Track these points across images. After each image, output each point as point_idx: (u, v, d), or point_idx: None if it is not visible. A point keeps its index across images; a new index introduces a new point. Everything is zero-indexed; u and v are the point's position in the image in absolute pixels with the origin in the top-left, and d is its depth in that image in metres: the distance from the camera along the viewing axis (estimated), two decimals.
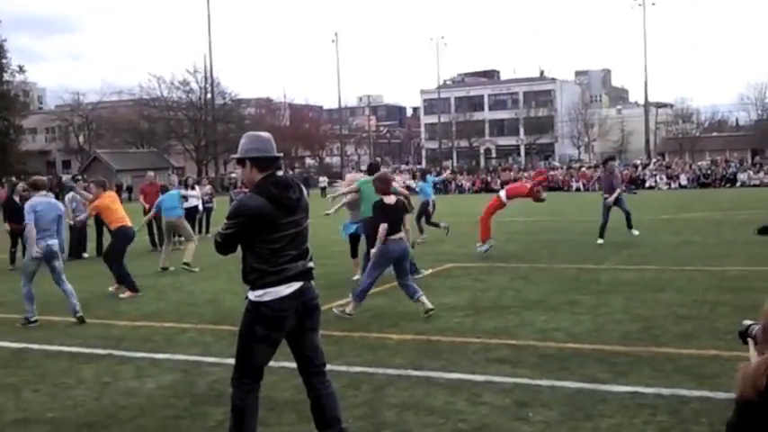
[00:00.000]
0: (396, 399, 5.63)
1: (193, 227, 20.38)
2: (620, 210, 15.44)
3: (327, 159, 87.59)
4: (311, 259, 4.45)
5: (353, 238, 11.65)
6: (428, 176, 19.49)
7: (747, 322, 2.99)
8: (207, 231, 21.14)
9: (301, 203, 4.38)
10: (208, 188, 22.43)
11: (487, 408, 5.34)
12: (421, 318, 8.42)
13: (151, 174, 19.70)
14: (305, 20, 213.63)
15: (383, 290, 10.48)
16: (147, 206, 17.85)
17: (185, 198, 18.89)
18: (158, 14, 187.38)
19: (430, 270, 12.10)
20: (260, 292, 4.25)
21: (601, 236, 15.15)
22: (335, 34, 78.71)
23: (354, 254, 11.73)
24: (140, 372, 6.75)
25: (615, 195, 15.26)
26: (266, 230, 4.23)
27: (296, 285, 4.28)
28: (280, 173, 4.42)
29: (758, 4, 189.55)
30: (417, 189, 18.67)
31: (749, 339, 2.98)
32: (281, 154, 4.54)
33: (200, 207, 20.55)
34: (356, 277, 11.17)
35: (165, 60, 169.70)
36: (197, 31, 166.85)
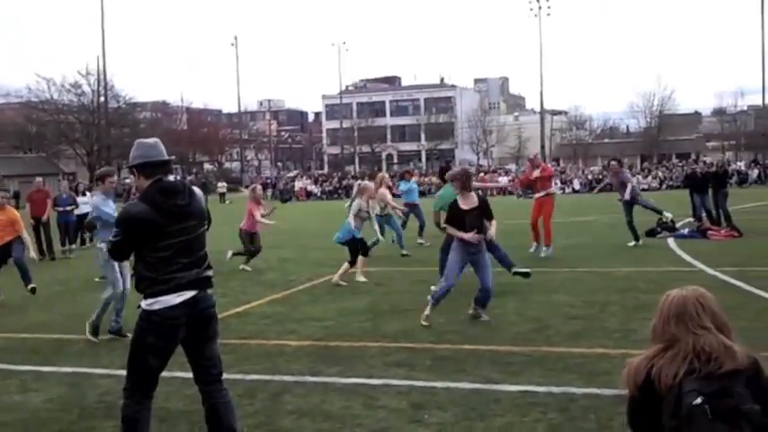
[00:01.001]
0: (292, 405, 5.59)
1: (84, 234, 19.72)
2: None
3: (227, 164, 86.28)
4: (209, 267, 4.36)
5: (354, 246, 11.50)
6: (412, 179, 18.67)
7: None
8: None
9: (193, 210, 4.28)
10: None
11: (384, 411, 5.36)
12: (319, 323, 8.39)
13: (39, 180, 18.86)
14: (204, 22, 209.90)
15: (282, 296, 10.42)
16: (36, 215, 17.03)
17: (76, 205, 18.27)
18: (48, 13, 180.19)
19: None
20: (150, 300, 4.16)
21: (635, 238, 14.88)
22: (235, 37, 77.70)
23: (355, 261, 11.57)
24: (25, 386, 6.46)
25: (628, 191, 14.91)
26: (152, 238, 4.15)
27: (188, 294, 4.19)
28: (171, 178, 4.34)
29: (647, 18, 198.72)
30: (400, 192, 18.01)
31: None
32: (169, 158, 4.43)
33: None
34: (362, 279, 11.36)
35: (55, 61, 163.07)
36: (89, 31, 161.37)
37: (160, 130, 68.97)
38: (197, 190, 4.46)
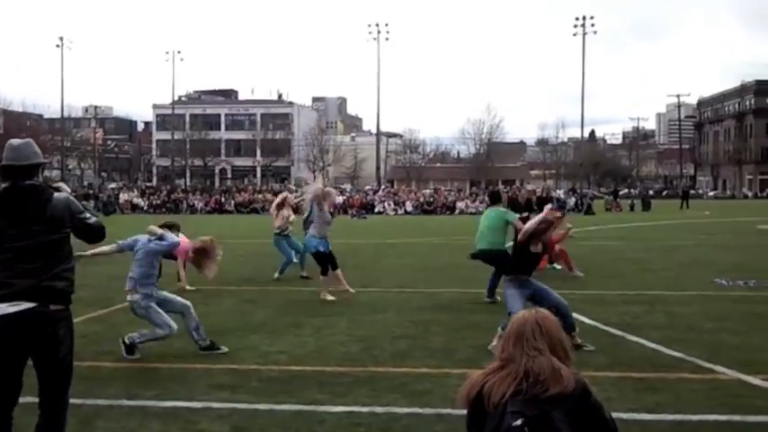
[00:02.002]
0: (105, 431, 5.26)
1: None
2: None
3: (47, 173, 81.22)
4: (56, 277, 4.08)
5: (323, 256, 11.01)
6: None
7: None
8: None
9: (42, 214, 4.05)
10: None
11: None
12: (140, 344, 7.99)
13: None
14: (27, 19, 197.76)
15: (99, 315, 9.87)
16: None
17: None
18: None
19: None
20: None
21: None
22: (60, 38, 73.22)
23: (326, 271, 11.08)
24: None
25: None
26: None
27: (24, 305, 3.96)
28: (32, 181, 4.15)
29: (479, 49, 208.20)
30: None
31: None
32: (30, 163, 4.21)
33: None
34: (329, 297, 10.84)
35: None
36: None
37: None
38: (59, 195, 4.20)
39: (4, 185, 4.15)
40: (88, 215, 4.31)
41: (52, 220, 4.11)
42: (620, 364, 7.10)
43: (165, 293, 7.75)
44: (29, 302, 3.98)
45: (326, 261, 11.17)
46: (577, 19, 65.79)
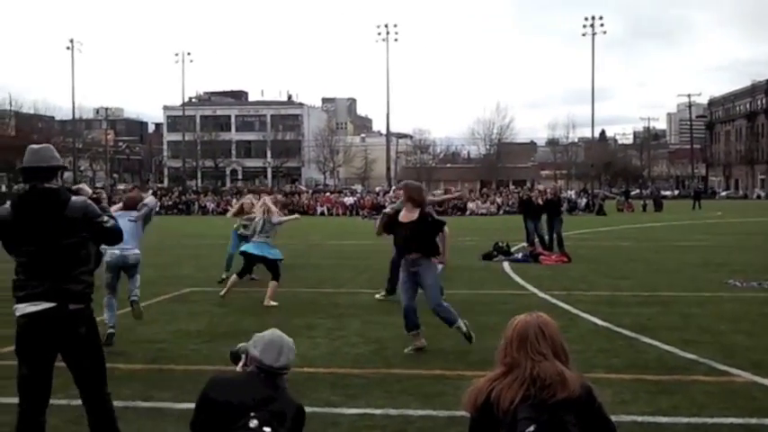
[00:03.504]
0: None
1: None
2: None
3: None
4: (74, 280, 4.18)
5: (250, 257, 11.01)
6: None
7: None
8: None
9: (59, 217, 4.14)
10: None
11: None
12: (153, 346, 8.04)
13: None
14: (38, 21, 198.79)
15: None
16: None
17: None
18: None
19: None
20: (15, 306, 4.15)
21: None
22: (71, 40, 73.60)
23: (245, 273, 11.20)
24: None
25: None
26: (12, 240, 4.16)
27: (44, 305, 4.07)
28: (50, 185, 4.24)
29: (487, 50, 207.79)
30: None
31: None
32: (47, 165, 4.30)
33: None
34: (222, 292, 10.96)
35: None
36: None
37: None
38: (76, 199, 4.28)
39: (23, 188, 4.23)
40: (105, 218, 4.35)
41: (69, 223, 4.17)
42: (635, 366, 7.08)
43: None
44: (48, 302, 4.08)
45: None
46: (587, 19, 65.78)
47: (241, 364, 3.68)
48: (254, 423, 3.22)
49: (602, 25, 66.05)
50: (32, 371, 4.17)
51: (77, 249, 4.23)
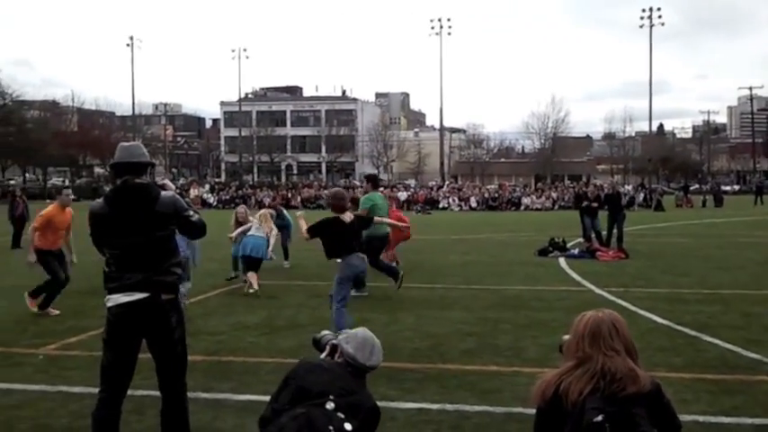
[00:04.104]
0: None
1: None
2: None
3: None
4: (166, 271, 4.34)
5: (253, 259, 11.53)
6: None
7: (565, 337, 3.40)
8: None
9: (151, 212, 4.29)
10: None
11: None
12: (213, 338, 8.19)
13: None
14: (99, 19, 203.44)
15: None
16: None
17: None
18: None
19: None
20: (107, 296, 4.30)
21: None
22: (131, 37, 75.17)
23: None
24: None
25: None
26: (106, 234, 4.31)
27: (138, 295, 4.23)
28: (140, 180, 4.38)
29: (542, 43, 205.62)
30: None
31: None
32: (137, 161, 4.46)
33: None
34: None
35: None
36: None
37: (49, 131, 66.21)
38: (166, 194, 4.44)
39: (115, 184, 4.38)
40: (191, 212, 4.50)
41: (160, 217, 4.33)
42: (696, 365, 6.95)
43: None
44: (142, 293, 4.23)
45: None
46: (644, 11, 64.38)
47: (325, 353, 3.77)
48: (330, 405, 3.34)
49: (660, 17, 64.64)
50: (118, 358, 4.33)
51: (167, 242, 4.40)
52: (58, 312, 9.72)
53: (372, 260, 11.22)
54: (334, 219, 7.86)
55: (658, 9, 64.48)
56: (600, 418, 2.88)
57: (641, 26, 64.58)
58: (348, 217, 7.96)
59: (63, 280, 9.85)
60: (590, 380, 2.98)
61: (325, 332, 3.98)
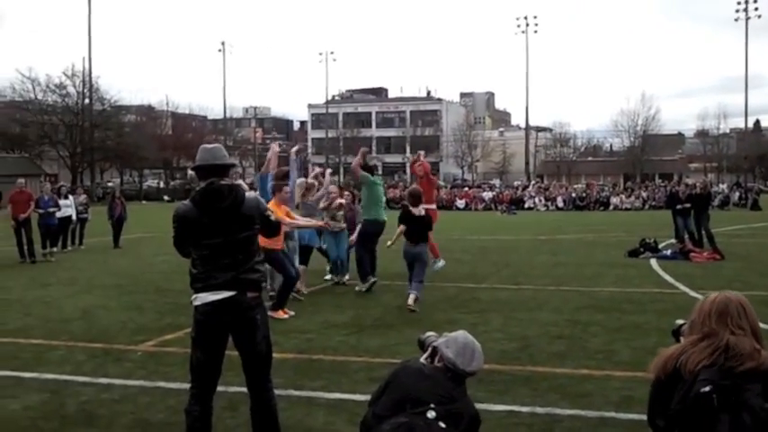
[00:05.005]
0: None
1: (66, 237, 19.53)
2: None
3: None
4: (251, 270, 4.45)
5: (306, 248, 11.63)
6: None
7: (679, 321, 3.39)
8: (80, 243, 20.26)
9: (237, 213, 4.40)
10: (83, 197, 21.10)
11: None
12: (303, 336, 8.35)
13: (21, 181, 18.48)
14: (191, 26, 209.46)
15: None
16: (16, 216, 16.78)
17: (58, 207, 18.11)
18: (34, 12, 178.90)
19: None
20: (194, 296, 4.42)
21: None
22: (222, 43, 77.45)
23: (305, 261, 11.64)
24: (4, 391, 6.35)
25: None
26: (193, 235, 4.39)
27: (224, 294, 4.33)
28: (224, 182, 4.48)
29: (631, 39, 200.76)
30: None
31: (680, 338, 3.40)
32: (221, 163, 4.56)
33: (74, 217, 19.66)
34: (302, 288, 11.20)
35: (41, 61, 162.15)
36: (76, 32, 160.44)
37: (145, 135, 68.64)
38: (250, 195, 4.60)
39: (201, 185, 4.47)
40: (270, 212, 4.68)
41: (246, 218, 4.46)
42: None
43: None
44: (229, 291, 4.35)
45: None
46: (739, 3, 62.01)
47: (426, 355, 3.78)
48: (431, 414, 3.33)
49: (756, 9, 62.16)
50: (208, 356, 4.45)
51: (252, 241, 4.52)
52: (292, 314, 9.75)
53: (358, 247, 11.72)
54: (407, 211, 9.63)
55: (754, 1, 62.09)
56: (708, 388, 2.89)
57: (736, 19, 62.44)
58: (418, 211, 9.72)
59: (295, 276, 9.86)
60: (711, 354, 3.00)
61: (430, 333, 3.99)
